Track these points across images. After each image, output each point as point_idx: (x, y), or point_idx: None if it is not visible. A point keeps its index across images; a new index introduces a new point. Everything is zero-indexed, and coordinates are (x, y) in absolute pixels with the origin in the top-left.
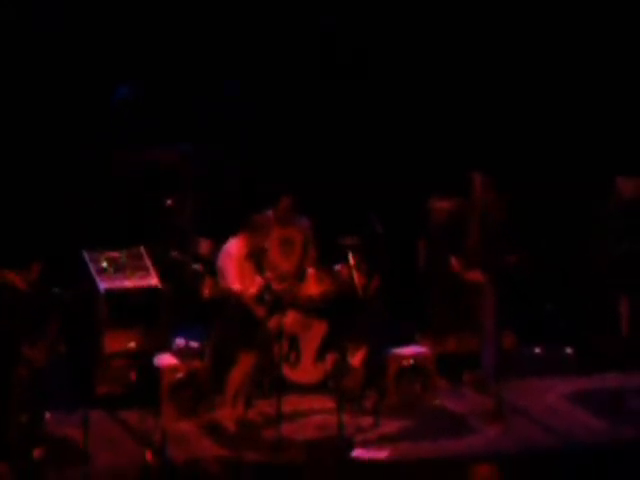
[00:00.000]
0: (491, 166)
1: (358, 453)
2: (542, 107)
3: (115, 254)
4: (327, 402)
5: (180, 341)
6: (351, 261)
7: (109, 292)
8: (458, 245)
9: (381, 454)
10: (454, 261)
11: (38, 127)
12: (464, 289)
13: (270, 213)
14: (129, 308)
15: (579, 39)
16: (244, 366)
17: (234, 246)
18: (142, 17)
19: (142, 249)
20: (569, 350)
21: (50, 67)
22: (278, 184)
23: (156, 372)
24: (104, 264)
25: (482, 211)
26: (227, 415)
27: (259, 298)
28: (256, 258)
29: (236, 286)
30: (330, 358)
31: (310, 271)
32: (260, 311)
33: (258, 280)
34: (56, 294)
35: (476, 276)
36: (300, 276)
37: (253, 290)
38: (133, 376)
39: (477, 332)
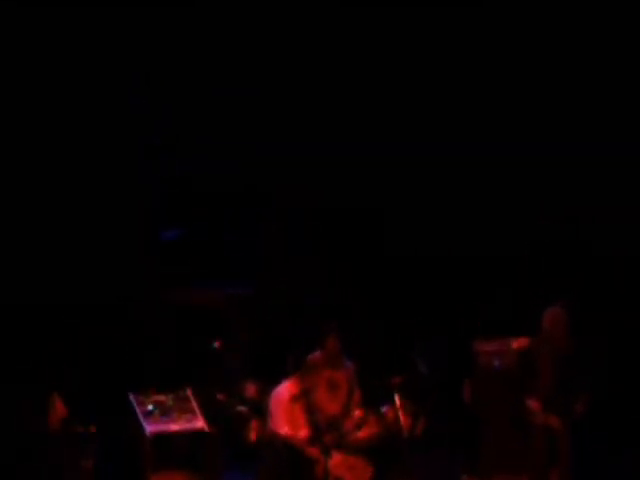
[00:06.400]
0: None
1: None
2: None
3: (162, 397)
4: None
5: None
6: (397, 402)
7: (156, 435)
8: (520, 385)
9: None
10: (533, 403)
11: (83, 268)
12: (529, 431)
13: (318, 355)
14: (176, 451)
15: None
16: None
17: (285, 389)
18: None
19: (189, 392)
20: None
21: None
22: (325, 325)
23: None
24: (150, 407)
25: (554, 348)
26: None
27: (309, 442)
28: (306, 400)
29: (284, 430)
30: None
31: (357, 413)
32: (309, 455)
33: (308, 425)
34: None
35: (553, 421)
36: (346, 418)
37: (303, 434)
38: None
39: (527, 473)
